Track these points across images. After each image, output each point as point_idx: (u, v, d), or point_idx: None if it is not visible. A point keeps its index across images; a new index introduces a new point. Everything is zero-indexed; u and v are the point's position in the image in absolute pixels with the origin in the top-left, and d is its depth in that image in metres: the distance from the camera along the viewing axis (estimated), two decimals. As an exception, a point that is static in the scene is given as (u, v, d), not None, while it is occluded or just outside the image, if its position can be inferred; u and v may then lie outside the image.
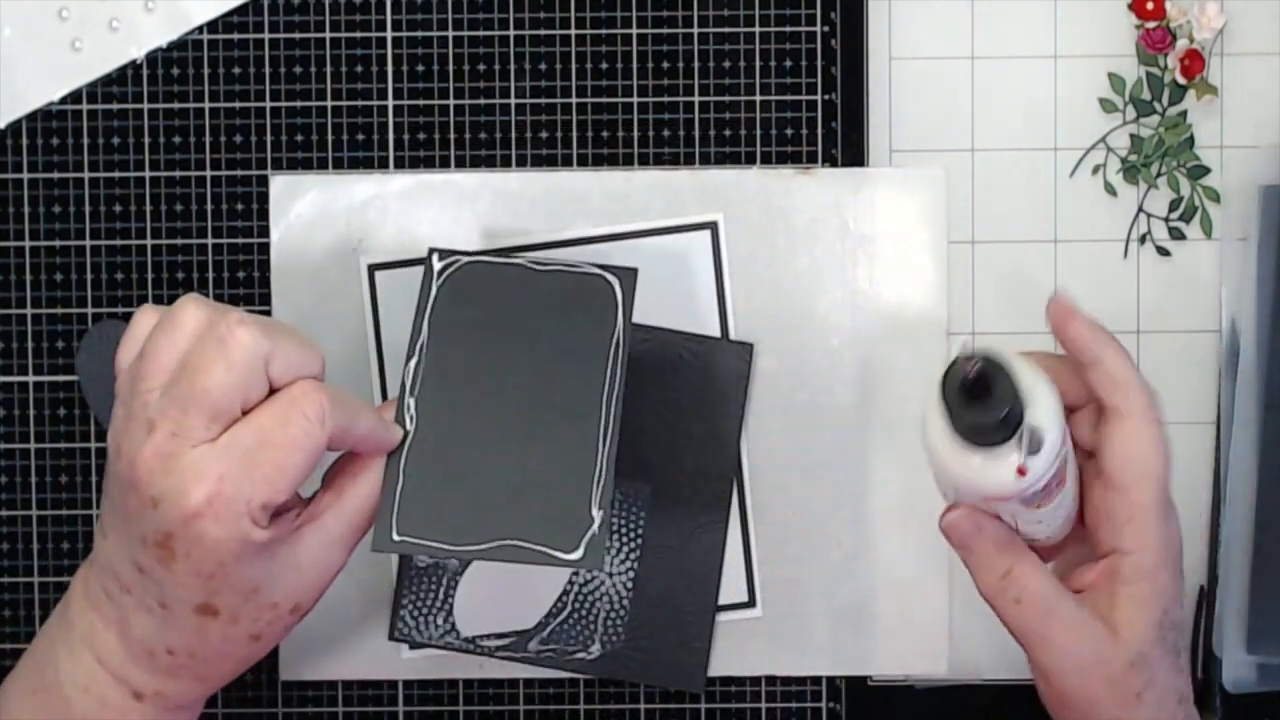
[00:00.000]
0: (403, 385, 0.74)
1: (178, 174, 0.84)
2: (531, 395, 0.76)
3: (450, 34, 0.84)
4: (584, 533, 0.74)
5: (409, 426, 0.74)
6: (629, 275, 0.76)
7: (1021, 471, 0.66)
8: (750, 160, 0.84)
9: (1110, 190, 0.83)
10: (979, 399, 0.64)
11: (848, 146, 0.83)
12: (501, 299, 0.77)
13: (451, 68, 0.84)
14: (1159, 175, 0.83)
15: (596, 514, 0.74)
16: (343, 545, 0.71)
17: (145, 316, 0.69)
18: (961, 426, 0.66)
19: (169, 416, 0.66)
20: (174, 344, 0.67)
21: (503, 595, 0.84)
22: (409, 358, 0.75)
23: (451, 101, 0.84)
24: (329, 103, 0.84)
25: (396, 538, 0.74)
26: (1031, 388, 0.66)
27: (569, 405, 0.75)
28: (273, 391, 0.67)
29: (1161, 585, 0.71)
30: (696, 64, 0.83)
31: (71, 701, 0.70)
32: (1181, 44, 0.82)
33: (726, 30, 0.83)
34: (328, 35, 0.84)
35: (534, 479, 0.75)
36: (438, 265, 0.77)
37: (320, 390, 0.68)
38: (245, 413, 0.67)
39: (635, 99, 0.83)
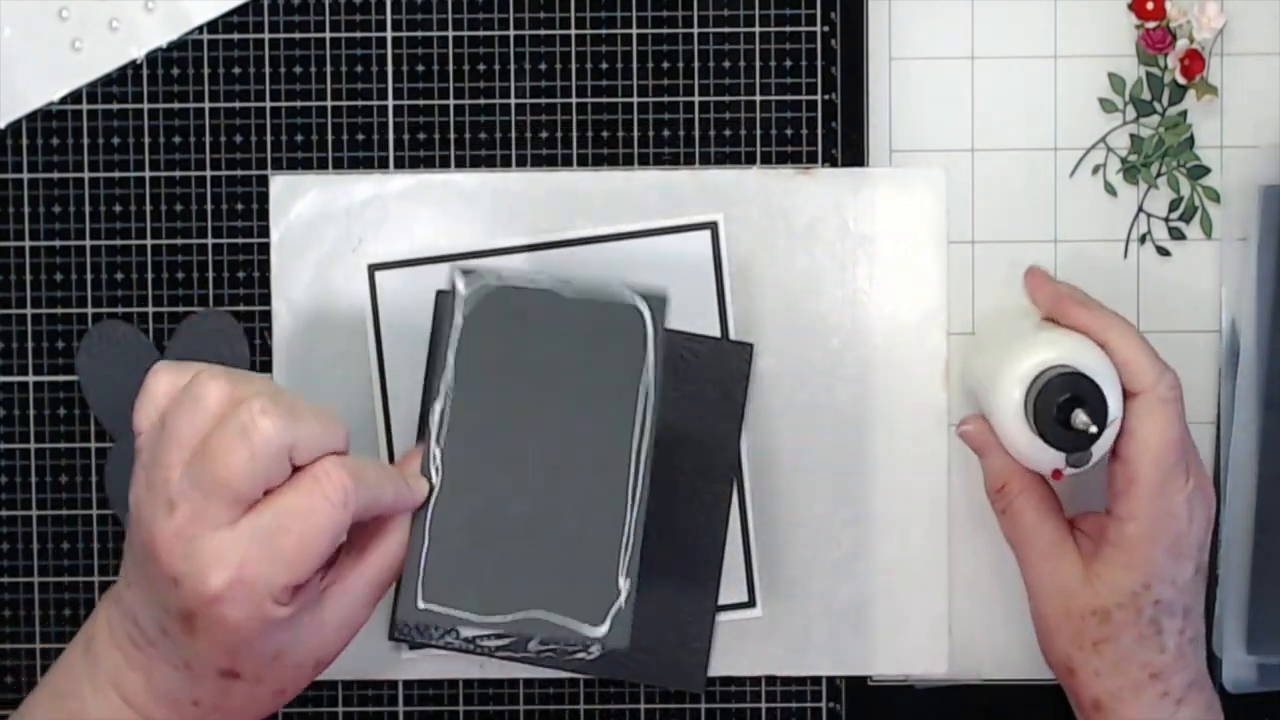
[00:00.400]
0: (428, 432, 0.74)
1: (178, 174, 0.84)
2: (559, 446, 0.75)
3: (450, 34, 0.84)
4: (610, 605, 0.75)
5: (434, 479, 0.73)
6: (659, 303, 0.75)
7: (1057, 474, 0.74)
8: (750, 160, 0.84)
9: (1110, 190, 0.83)
10: (1066, 410, 0.71)
11: (848, 146, 0.83)
12: (529, 334, 0.75)
13: (451, 68, 0.84)
14: (1159, 175, 0.83)
15: (623, 584, 0.74)
16: (368, 604, 0.71)
17: (161, 378, 0.68)
18: (1035, 418, 0.72)
19: (190, 499, 0.65)
20: (195, 423, 0.66)
21: (503, 595, 0.84)
22: (433, 398, 0.74)
23: (451, 101, 0.84)
24: (329, 103, 0.84)
25: (422, 606, 0.73)
26: (1110, 421, 0.73)
27: (598, 459, 0.75)
28: (297, 469, 0.67)
29: (1145, 559, 0.74)
30: (696, 64, 0.83)
31: None
32: (1181, 44, 0.82)
33: (726, 30, 0.83)
34: (328, 35, 0.84)
35: (560, 540, 0.75)
36: (464, 290, 0.75)
37: (343, 470, 0.66)
38: (268, 492, 0.66)
39: (635, 99, 0.83)
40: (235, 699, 0.69)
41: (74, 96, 0.84)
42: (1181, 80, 0.82)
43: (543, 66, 0.84)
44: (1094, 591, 0.75)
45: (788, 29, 0.83)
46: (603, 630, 0.75)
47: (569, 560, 0.75)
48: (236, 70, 0.84)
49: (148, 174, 0.84)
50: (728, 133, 0.83)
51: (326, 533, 0.66)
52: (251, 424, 0.65)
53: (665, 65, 0.83)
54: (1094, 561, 0.75)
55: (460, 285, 0.75)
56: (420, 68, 0.84)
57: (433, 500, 0.74)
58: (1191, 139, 0.83)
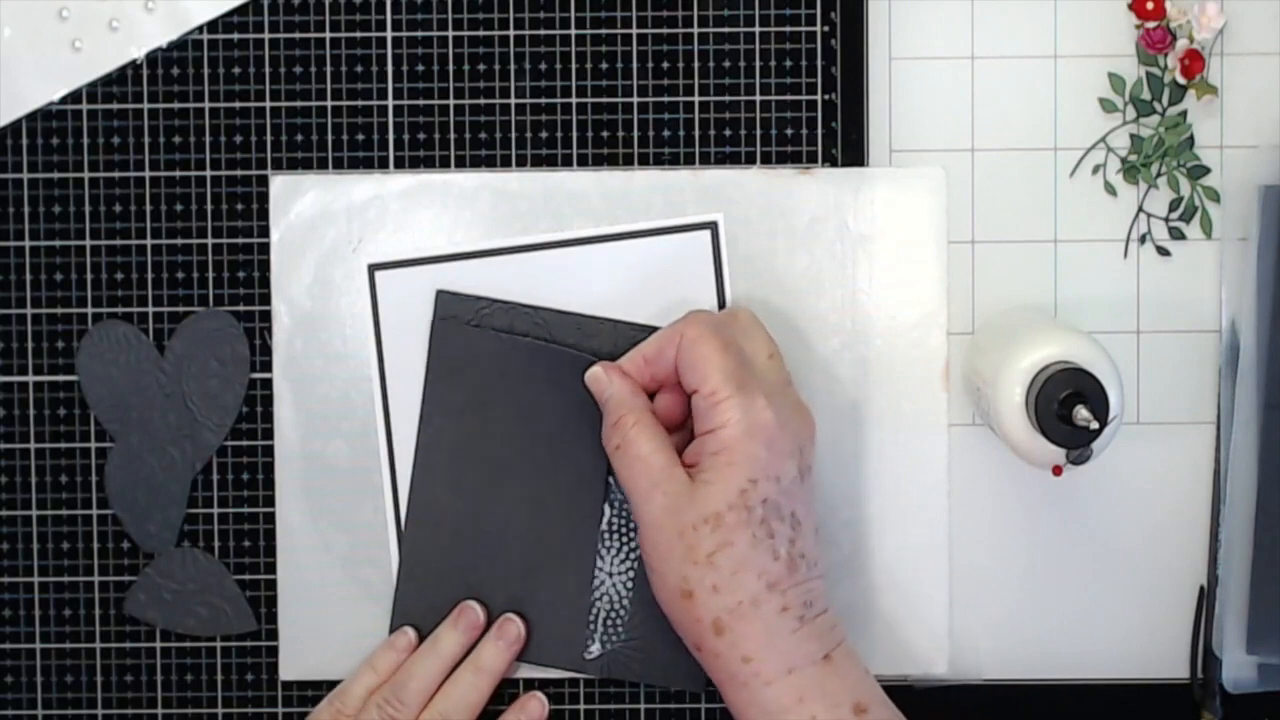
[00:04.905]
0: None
1: (178, 174, 0.84)
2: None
3: (450, 34, 0.84)
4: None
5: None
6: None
7: (1057, 471, 0.74)
8: (750, 160, 0.84)
9: (1110, 190, 0.83)
10: (1067, 406, 0.72)
11: (848, 146, 0.83)
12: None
13: (451, 68, 0.84)
14: (1159, 175, 0.83)
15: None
16: None
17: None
18: (1036, 415, 0.73)
19: None
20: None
21: (503, 595, 0.84)
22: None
23: (451, 101, 0.84)
24: (329, 103, 0.84)
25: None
26: (1112, 418, 0.73)
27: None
28: None
29: (745, 454, 0.74)
30: (696, 64, 0.83)
31: None
32: (1181, 44, 0.82)
33: (726, 30, 0.83)
34: (328, 35, 0.84)
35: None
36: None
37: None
38: None
39: (635, 99, 0.83)
40: None
41: (74, 96, 0.84)
42: (1181, 80, 0.82)
43: (543, 66, 0.84)
44: (704, 498, 0.74)
45: (788, 29, 0.83)
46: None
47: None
48: (236, 70, 0.84)
49: (148, 174, 0.84)
50: (728, 133, 0.83)
51: None
52: None
53: (665, 65, 0.83)
54: (699, 475, 0.75)
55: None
56: (420, 68, 0.84)
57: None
58: (1191, 139, 0.83)
